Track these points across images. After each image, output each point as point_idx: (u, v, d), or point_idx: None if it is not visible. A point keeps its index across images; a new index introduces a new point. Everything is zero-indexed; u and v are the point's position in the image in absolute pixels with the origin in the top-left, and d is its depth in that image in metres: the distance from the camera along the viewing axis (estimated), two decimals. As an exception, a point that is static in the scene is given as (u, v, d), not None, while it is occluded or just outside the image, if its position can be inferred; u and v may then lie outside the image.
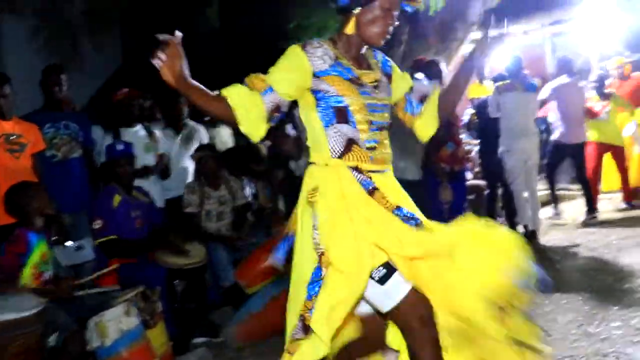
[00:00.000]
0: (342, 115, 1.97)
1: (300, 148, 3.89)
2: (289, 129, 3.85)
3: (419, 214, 1.99)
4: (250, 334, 3.67)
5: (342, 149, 1.96)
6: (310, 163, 2.05)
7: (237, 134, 5.24)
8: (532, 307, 3.35)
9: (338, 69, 1.99)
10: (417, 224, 1.89)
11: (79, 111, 4.98)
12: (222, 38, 8.20)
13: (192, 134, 4.83)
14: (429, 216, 2.03)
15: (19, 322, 2.56)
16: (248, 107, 1.92)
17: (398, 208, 1.90)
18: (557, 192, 6.72)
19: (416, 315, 1.84)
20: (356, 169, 1.95)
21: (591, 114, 6.26)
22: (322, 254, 1.83)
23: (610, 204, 6.61)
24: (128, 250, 3.76)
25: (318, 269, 1.84)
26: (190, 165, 4.72)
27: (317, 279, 1.83)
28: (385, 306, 1.87)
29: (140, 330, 3.04)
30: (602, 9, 7.38)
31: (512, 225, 5.57)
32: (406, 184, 2.10)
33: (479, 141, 6.27)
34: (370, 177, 1.96)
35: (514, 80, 5.38)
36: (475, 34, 8.53)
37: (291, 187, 4.39)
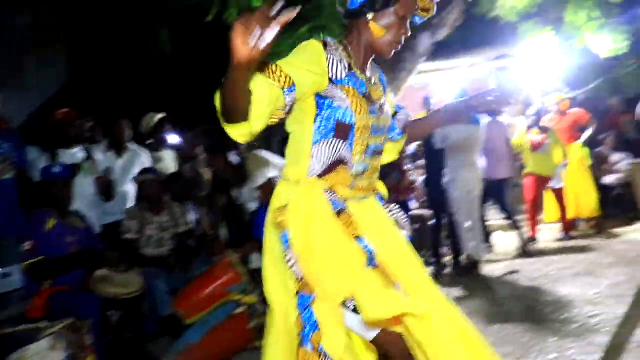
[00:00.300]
0: (343, 131, 1.79)
1: (243, 176, 3.83)
2: (232, 156, 3.79)
3: (401, 251, 1.86)
4: (188, 366, 3.54)
5: (324, 168, 1.79)
6: (281, 179, 1.88)
7: (181, 159, 5.15)
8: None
9: (353, 80, 1.81)
10: (373, 265, 1.75)
11: (14, 130, 4.77)
12: (174, 62, 8.10)
13: (134, 157, 4.71)
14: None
15: None
16: (267, 104, 1.58)
17: (359, 238, 1.75)
18: (493, 223, 6.87)
19: (397, 347, 1.77)
20: (330, 190, 1.79)
21: (532, 147, 6.46)
22: (301, 278, 1.70)
23: (549, 234, 6.79)
24: (58, 269, 3.56)
25: (302, 296, 1.70)
26: (131, 190, 4.58)
27: (305, 307, 1.69)
28: (368, 336, 1.76)
29: (67, 365, 2.86)
30: (543, 48, 7.67)
31: (457, 254, 5.64)
32: None
33: (424, 171, 6.34)
34: (345, 200, 1.81)
35: (458, 113, 5.47)
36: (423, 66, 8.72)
37: (234, 215, 4.32)
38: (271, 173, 3.81)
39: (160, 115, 5.04)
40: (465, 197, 5.35)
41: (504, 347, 3.39)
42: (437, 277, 5.32)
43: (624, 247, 5.77)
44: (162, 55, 7.81)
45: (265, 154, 3.96)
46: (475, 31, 8.79)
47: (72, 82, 8.50)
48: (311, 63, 1.70)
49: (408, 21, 1.88)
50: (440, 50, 8.54)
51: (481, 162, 5.54)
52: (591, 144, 7.43)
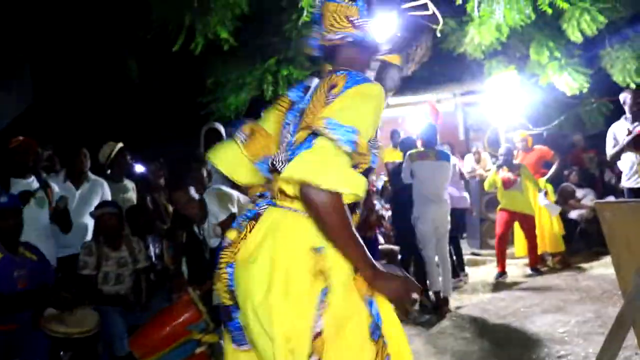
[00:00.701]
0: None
1: (204, 212, 3.69)
2: (193, 192, 3.66)
3: None
4: (145, 413, 3.33)
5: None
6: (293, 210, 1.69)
7: (140, 191, 4.97)
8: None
9: None
10: (377, 336, 1.65)
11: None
12: (139, 91, 7.97)
13: (93, 188, 4.51)
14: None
15: None
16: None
17: (370, 301, 1.65)
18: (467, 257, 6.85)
19: None
20: None
21: (504, 184, 6.52)
22: (317, 336, 1.54)
23: (518, 269, 6.78)
24: (6, 308, 3.34)
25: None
26: (90, 222, 4.37)
27: None
28: None
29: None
30: (508, 85, 7.81)
31: (424, 289, 5.55)
32: None
33: (390, 206, 6.29)
34: None
35: (427, 149, 5.46)
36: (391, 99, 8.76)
37: (194, 250, 4.15)
38: (234, 208, 3.68)
39: (119, 145, 4.89)
40: (432, 233, 5.29)
41: (474, 389, 3.29)
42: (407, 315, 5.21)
43: (590, 283, 5.77)
44: (128, 84, 7.69)
45: (226, 189, 3.83)
46: (442, 66, 8.94)
47: (34, 108, 8.29)
48: (377, 118, 1.68)
49: None
50: (408, 85, 8.64)
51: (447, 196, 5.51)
52: (555, 179, 7.53)
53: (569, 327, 4.31)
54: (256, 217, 1.74)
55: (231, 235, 1.78)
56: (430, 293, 5.38)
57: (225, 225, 3.54)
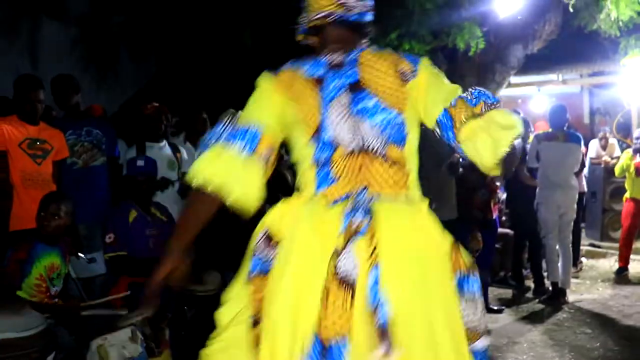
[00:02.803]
0: None
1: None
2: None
3: None
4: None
5: None
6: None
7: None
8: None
9: None
10: None
11: (108, 118, 4.89)
12: (254, 61, 8.19)
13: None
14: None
15: (19, 341, 2.41)
16: None
17: None
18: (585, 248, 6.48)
19: None
20: None
21: (637, 171, 6.04)
22: None
23: (643, 265, 6.34)
24: (136, 269, 3.59)
25: None
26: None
27: None
28: None
29: (144, 358, 2.85)
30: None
31: (539, 278, 5.34)
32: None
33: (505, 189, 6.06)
34: None
35: (555, 130, 5.18)
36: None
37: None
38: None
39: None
40: (556, 220, 5.05)
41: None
42: (518, 300, 5.04)
43: None
44: (243, 54, 7.91)
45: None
46: (570, 44, 8.39)
47: (158, 75, 8.77)
48: None
49: None
50: (531, 63, 8.21)
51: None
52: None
53: None
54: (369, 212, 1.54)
55: None
56: (547, 282, 5.16)
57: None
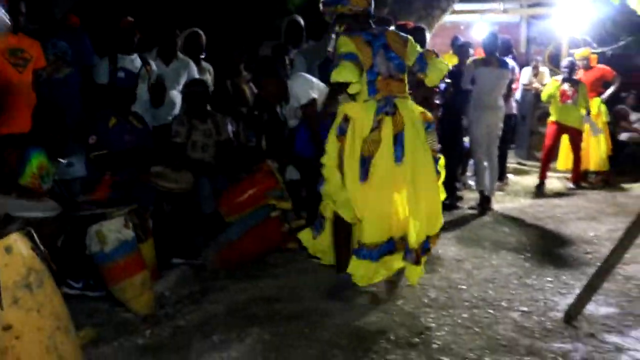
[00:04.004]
0: None
1: (287, 96, 4.20)
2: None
3: None
4: (227, 260, 4.06)
5: None
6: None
7: (221, 74, 5.52)
8: (481, 260, 3.92)
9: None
10: None
11: (79, 29, 5.09)
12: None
13: (182, 67, 5.05)
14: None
15: (45, 221, 2.87)
16: None
17: None
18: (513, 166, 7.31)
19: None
20: None
21: (562, 97, 6.80)
22: None
23: (559, 182, 7.24)
24: (120, 163, 4.03)
25: None
26: (177, 97, 4.97)
27: None
28: None
29: (135, 242, 3.35)
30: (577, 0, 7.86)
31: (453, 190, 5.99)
32: None
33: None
34: None
35: (489, 56, 5.78)
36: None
37: (275, 130, 4.74)
38: (314, 94, 4.16)
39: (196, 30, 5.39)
40: (485, 137, 5.75)
41: (509, 268, 3.92)
42: (451, 208, 5.78)
43: (628, 200, 6.24)
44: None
45: (308, 76, 4.32)
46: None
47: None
48: None
49: None
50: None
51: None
52: (611, 100, 7.75)
53: (599, 232, 4.85)
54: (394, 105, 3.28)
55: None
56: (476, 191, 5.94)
57: (306, 108, 4.08)
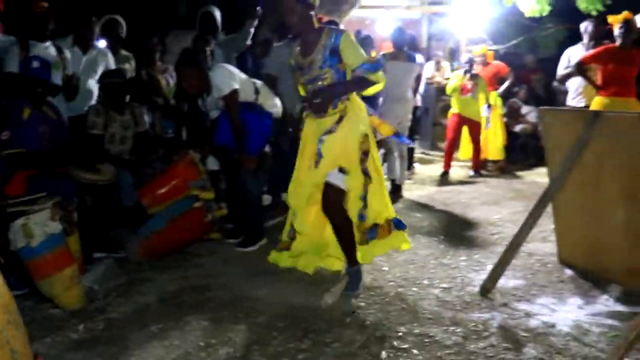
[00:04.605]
0: None
1: (209, 86, 4.23)
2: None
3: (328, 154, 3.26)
4: (151, 251, 4.06)
5: None
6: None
7: (139, 65, 5.44)
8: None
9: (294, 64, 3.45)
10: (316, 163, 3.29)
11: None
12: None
13: (99, 56, 4.93)
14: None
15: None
16: None
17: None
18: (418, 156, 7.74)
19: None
20: None
21: (462, 91, 7.28)
22: None
23: (461, 170, 7.77)
24: (35, 164, 3.90)
25: None
26: (94, 87, 4.85)
27: None
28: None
29: (62, 235, 3.28)
30: (474, 1, 8.44)
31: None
32: None
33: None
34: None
35: (398, 50, 6.10)
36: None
37: (195, 120, 4.75)
38: (235, 85, 4.23)
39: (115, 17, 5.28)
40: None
41: (425, 249, 4.23)
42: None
43: (523, 186, 6.83)
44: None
45: (230, 67, 4.38)
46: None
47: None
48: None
49: None
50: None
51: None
52: (505, 94, 8.41)
53: (502, 215, 5.31)
54: None
55: None
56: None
57: (228, 99, 4.14)
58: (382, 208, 3.45)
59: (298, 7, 3.24)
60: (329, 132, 3.27)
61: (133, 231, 4.21)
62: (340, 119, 3.28)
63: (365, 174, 3.32)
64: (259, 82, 4.46)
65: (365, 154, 3.30)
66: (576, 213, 3.62)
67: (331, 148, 3.25)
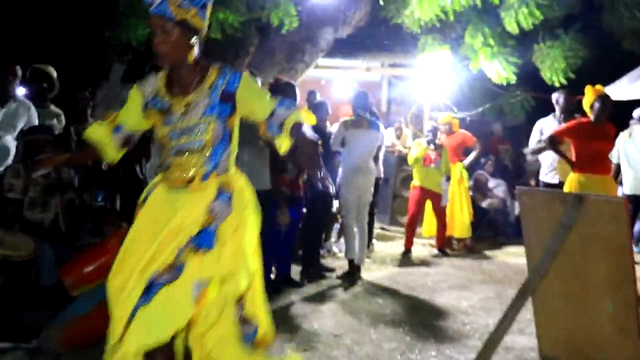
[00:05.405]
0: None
1: (149, 153, 4.16)
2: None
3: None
4: (74, 339, 3.82)
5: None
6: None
7: (68, 122, 5.33)
8: (360, 335, 4.10)
9: (153, 102, 2.65)
10: None
11: None
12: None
13: (19, 110, 4.80)
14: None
15: None
16: (106, 141, 2.77)
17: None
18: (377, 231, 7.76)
19: None
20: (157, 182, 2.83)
21: (425, 162, 7.40)
22: None
23: (424, 248, 7.82)
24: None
25: None
26: (12, 144, 4.69)
27: None
28: None
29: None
30: (439, 64, 8.77)
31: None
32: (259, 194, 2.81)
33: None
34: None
35: (360, 117, 6.18)
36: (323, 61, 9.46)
37: (132, 189, 4.63)
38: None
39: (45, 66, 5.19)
40: (355, 202, 6.08)
41: (390, 343, 4.14)
42: (317, 278, 5.95)
43: (493, 267, 6.92)
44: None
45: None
46: (376, 34, 9.74)
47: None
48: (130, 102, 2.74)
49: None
50: (339, 48, 9.38)
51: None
52: (473, 165, 8.62)
53: (472, 302, 5.32)
54: None
55: None
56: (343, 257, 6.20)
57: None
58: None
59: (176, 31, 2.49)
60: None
61: (52, 316, 3.97)
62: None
63: None
64: None
65: None
66: (559, 303, 3.64)
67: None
